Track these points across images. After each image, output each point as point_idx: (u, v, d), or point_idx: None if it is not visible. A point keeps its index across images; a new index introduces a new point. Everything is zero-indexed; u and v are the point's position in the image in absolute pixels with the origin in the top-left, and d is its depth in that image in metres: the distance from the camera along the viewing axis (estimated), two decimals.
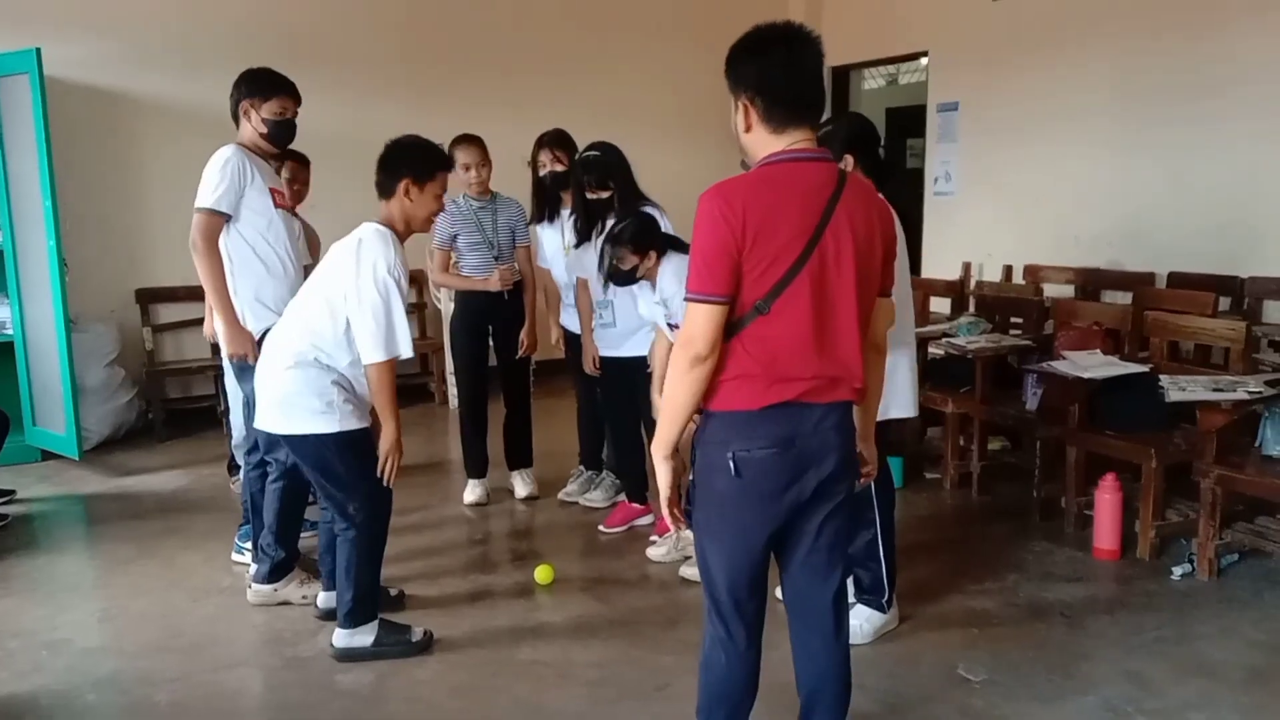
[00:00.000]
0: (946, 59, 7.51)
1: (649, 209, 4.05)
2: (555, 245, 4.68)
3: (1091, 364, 4.22)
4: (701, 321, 2.05)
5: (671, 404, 2.12)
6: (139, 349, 6.37)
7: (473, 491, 4.85)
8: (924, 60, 8.03)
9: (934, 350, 5.02)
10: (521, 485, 4.93)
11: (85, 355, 5.81)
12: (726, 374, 2.10)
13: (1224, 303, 5.43)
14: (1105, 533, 4.02)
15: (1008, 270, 6.88)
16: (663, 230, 3.84)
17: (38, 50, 5.28)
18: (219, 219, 3.60)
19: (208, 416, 6.42)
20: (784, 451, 2.10)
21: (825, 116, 2.43)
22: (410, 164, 3.22)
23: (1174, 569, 3.84)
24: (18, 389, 5.71)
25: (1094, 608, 3.61)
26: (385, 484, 3.23)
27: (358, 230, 3.19)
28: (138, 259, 6.42)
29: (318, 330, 3.15)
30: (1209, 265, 5.73)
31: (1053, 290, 6.24)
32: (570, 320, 4.80)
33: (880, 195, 2.33)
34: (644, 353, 4.19)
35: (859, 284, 2.12)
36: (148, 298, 6.45)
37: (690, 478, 2.24)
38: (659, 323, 3.83)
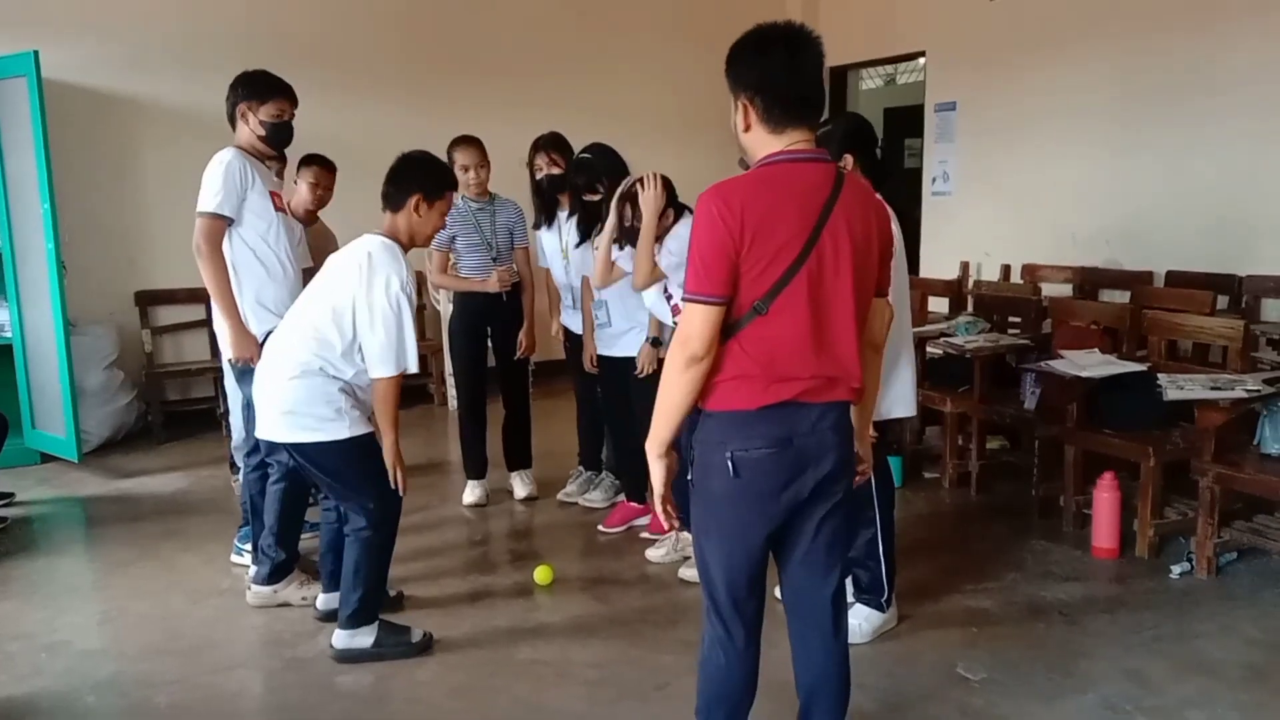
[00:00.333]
0: (944, 59, 7.52)
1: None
2: (554, 247, 4.69)
3: (1089, 363, 4.23)
4: (698, 322, 2.05)
5: (666, 403, 2.12)
6: (138, 351, 6.37)
7: (472, 492, 4.86)
8: (922, 60, 8.04)
9: (932, 350, 5.03)
10: (521, 486, 4.93)
11: (84, 358, 5.81)
12: (724, 374, 2.10)
13: (1222, 301, 5.43)
14: (1104, 531, 4.03)
15: (1006, 270, 6.89)
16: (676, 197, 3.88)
17: (36, 53, 5.28)
18: (221, 222, 3.60)
19: (207, 419, 6.42)
20: (782, 451, 2.11)
21: (824, 117, 2.43)
22: (423, 181, 3.25)
23: (1173, 567, 3.85)
24: (17, 391, 5.71)
25: (1093, 606, 3.62)
26: (399, 493, 3.25)
27: (362, 242, 3.20)
28: (136, 261, 6.42)
29: (325, 340, 3.15)
30: (1207, 264, 5.74)
31: (1051, 289, 6.24)
32: (570, 320, 4.81)
33: (878, 195, 2.33)
34: (634, 353, 4.22)
35: (856, 284, 2.12)
36: (147, 300, 6.44)
37: (688, 477, 2.24)
38: (659, 303, 3.84)
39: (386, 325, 3.09)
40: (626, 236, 3.87)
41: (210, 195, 3.59)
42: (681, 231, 3.68)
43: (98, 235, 6.21)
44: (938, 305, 6.04)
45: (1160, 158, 6.05)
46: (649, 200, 3.70)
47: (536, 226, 4.74)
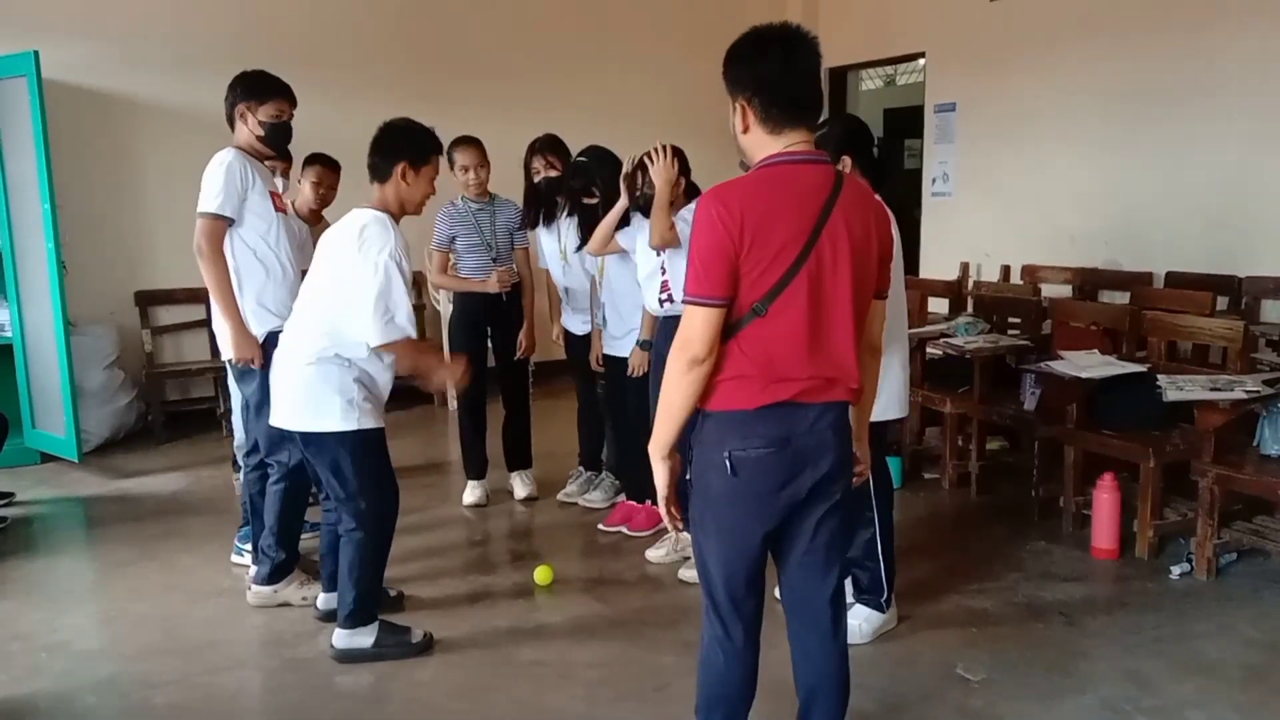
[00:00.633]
0: (944, 60, 7.52)
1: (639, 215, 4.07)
2: (553, 249, 4.69)
3: (1089, 364, 4.23)
4: (699, 324, 2.05)
5: (668, 405, 2.13)
6: (138, 351, 6.37)
7: (472, 493, 4.86)
8: (921, 61, 8.04)
9: (932, 350, 5.03)
10: (521, 486, 4.93)
11: (84, 358, 5.81)
12: (723, 374, 2.11)
13: (1222, 302, 5.43)
14: (1103, 532, 4.03)
15: (1005, 270, 6.89)
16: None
17: (36, 53, 5.29)
18: (223, 223, 3.60)
19: (207, 418, 6.42)
20: (780, 451, 2.11)
21: (823, 118, 2.43)
22: (406, 148, 3.23)
23: (1172, 568, 3.85)
24: (17, 391, 5.71)
25: (1092, 607, 3.62)
26: (388, 516, 3.26)
27: (353, 217, 3.19)
28: (136, 261, 6.43)
29: (336, 326, 3.15)
30: (1206, 265, 5.74)
31: (1050, 290, 6.24)
32: (570, 321, 4.82)
33: (877, 197, 2.33)
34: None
35: (855, 285, 2.12)
36: (147, 300, 6.45)
37: (687, 477, 2.24)
38: (641, 267, 3.88)
39: (384, 294, 3.07)
40: (638, 206, 3.88)
41: (211, 196, 3.58)
42: (685, 214, 3.69)
43: (98, 235, 6.22)
44: (938, 306, 6.04)
45: (1160, 158, 6.05)
46: (660, 170, 3.71)
47: (532, 227, 4.73)
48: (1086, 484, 4.21)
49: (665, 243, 3.69)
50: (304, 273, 3.91)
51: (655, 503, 2.29)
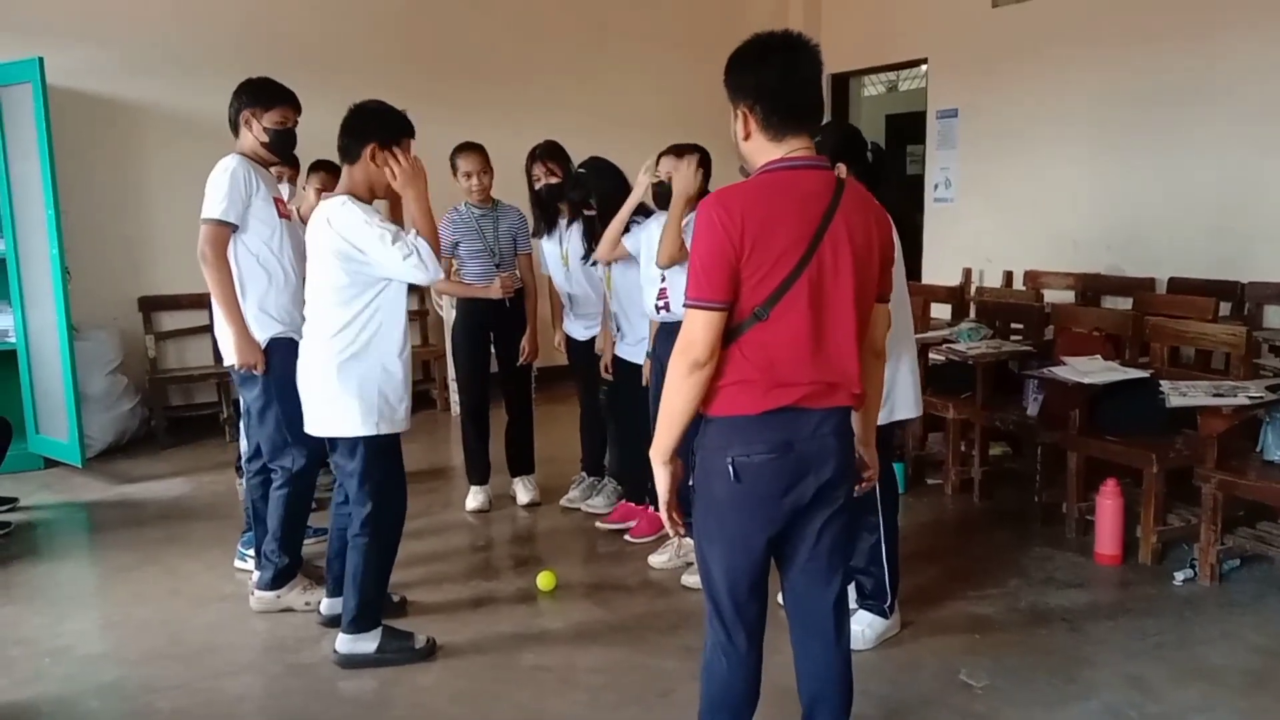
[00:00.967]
0: (946, 66, 7.53)
1: (640, 219, 4.08)
2: (554, 255, 4.70)
3: (1092, 369, 4.23)
4: (700, 328, 2.06)
5: (669, 410, 2.13)
6: (141, 356, 6.38)
7: (475, 498, 4.86)
8: (924, 67, 8.05)
9: (935, 356, 5.03)
10: (523, 492, 4.94)
11: (88, 363, 5.82)
12: (725, 379, 2.11)
13: (1224, 308, 5.44)
14: (1106, 538, 4.03)
15: (1008, 276, 6.90)
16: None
17: (40, 59, 5.31)
18: (227, 229, 3.60)
19: (210, 424, 6.43)
20: (783, 456, 2.11)
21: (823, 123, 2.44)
22: (377, 129, 3.22)
23: (1175, 574, 3.85)
24: (20, 396, 5.72)
25: (1095, 613, 3.61)
26: (397, 524, 3.29)
27: (321, 208, 3.18)
28: (140, 267, 6.44)
29: (337, 323, 3.15)
30: (1209, 270, 5.74)
31: (1053, 296, 6.25)
32: (572, 327, 4.82)
33: (878, 202, 2.34)
34: (640, 359, 4.24)
35: (857, 290, 2.13)
36: (150, 305, 6.46)
37: (690, 483, 2.25)
38: (644, 271, 3.87)
39: (383, 239, 3.06)
40: (658, 201, 3.89)
41: (215, 202, 3.59)
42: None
43: (101, 240, 6.24)
44: (940, 311, 6.04)
45: (1162, 164, 6.05)
46: (683, 176, 3.66)
47: (536, 235, 4.75)
48: (1089, 490, 4.21)
49: (674, 261, 3.60)
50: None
51: (657, 507, 2.29)
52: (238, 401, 4.12)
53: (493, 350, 4.85)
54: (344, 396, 3.15)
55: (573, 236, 4.56)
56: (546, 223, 4.69)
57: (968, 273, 7.16)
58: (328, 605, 3.55)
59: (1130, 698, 3.00)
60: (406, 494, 3.36)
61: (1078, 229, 6.57)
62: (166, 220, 6.29)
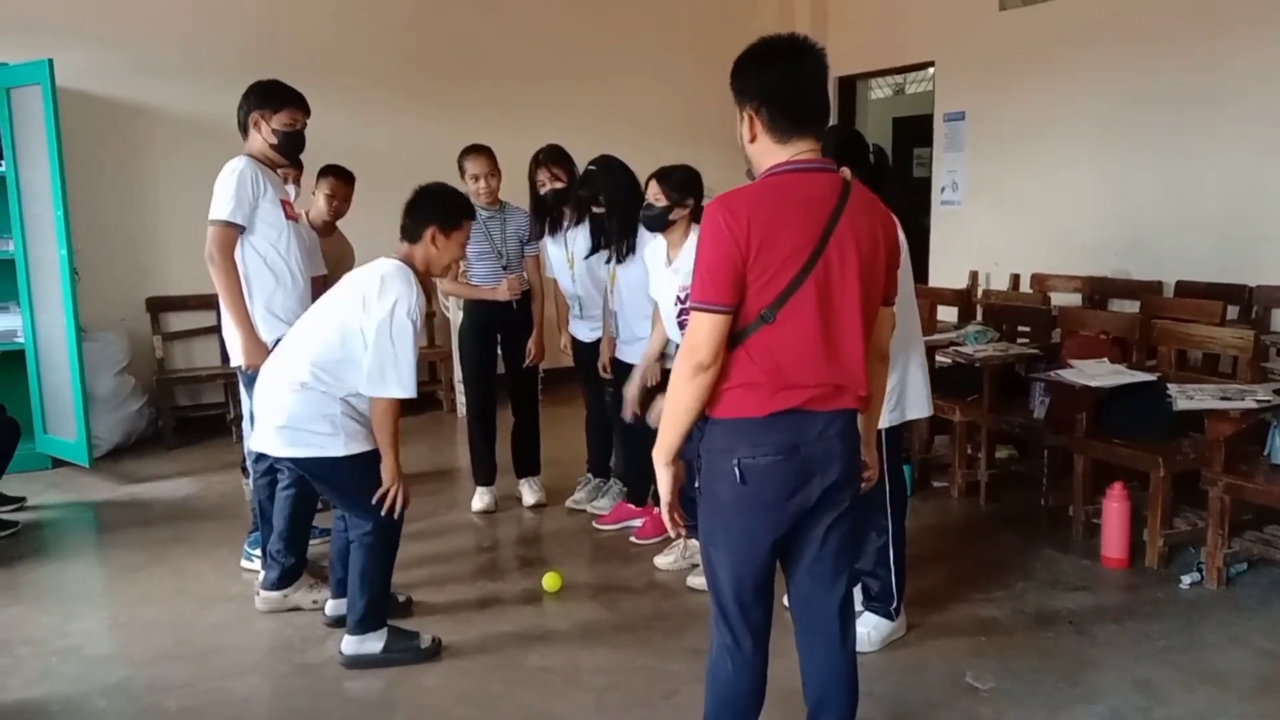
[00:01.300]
0: (953, 69, 7.53)
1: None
2: (560, 258, 4.70)
3: (1099, 373, 4.22)
4: (705, 330, 2.06)
5: (673, 411, 2.13)
6: (149, 357, 6.40)
7: (480, 499, 4.87)
8: (931, 70, 8.04)
9: (941, 359, 5.02)
10: (529, 493, 4.94)
11: (96, 363, 5.84)
12: (731, 382, 2.11)
13: (1232, 311, 5.42)
14: (1113, 541, 4.02)
15: (1015, 279, 6.89)
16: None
17: (50, 61, 5.32)
18: (234, 231, 3.62)
19: (217, 424, 6.44)
20: (789, 458, 2.11)
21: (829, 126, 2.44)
22: (439, 212, 3.27)
23: (1182, 577, 3.84)
24: (29, 397, 5.73)
25: (1102, 616, 3.61)
26: (392, 516, 3.23)
27: (377, 265, 3.21)
28: (148, 268, 6.46)
29: (327, 357, 3.16)
30: (1217, 274, 5.73)
31: (1060, 299, 6.23)
32: (577, 329, 4.83)
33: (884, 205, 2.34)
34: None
35: (863, 293, 2.13)
36: (158, 306, 6.48)
37: (695, 485, 2.25)
38: (662, 302, 3.85)
39: (388, 346, 3.09)
40: (648, 224, 3.93)
41: (223, 204, 3.60)
42: (692, 243, 3.70)
43: (110, 242, 6.26)
44: (947, 314, 6.03)
45: (1169, 167, 6.04)
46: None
47: (539, 238, 4.75)
48: (1096, 493, 4.20)
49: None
50: (314, 279, 3.95)
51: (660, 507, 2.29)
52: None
53: (499, 352, 4.86)
54: (312, 419, 3.14)
55: (577, 239, 4.56)
56: (551, 226, 4.69)
57: (974, 275, 7.15)
58: (333, 606, 3.56)
59: (1137, 702, 2.99)
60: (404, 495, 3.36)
61: (1085, 232, 6.56)
62: (174, 221, 6.31)
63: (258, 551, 3.93)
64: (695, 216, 3.80)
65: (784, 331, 2.08)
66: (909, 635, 3.43)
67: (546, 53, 7.63)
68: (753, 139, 2.17)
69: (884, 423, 2.96)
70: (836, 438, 2.16)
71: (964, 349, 4.88)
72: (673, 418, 2.14)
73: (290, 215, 3.78)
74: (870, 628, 3.31)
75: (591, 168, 4.36)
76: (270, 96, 3.71)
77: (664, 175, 3.81)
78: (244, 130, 3.75)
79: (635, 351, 4.33)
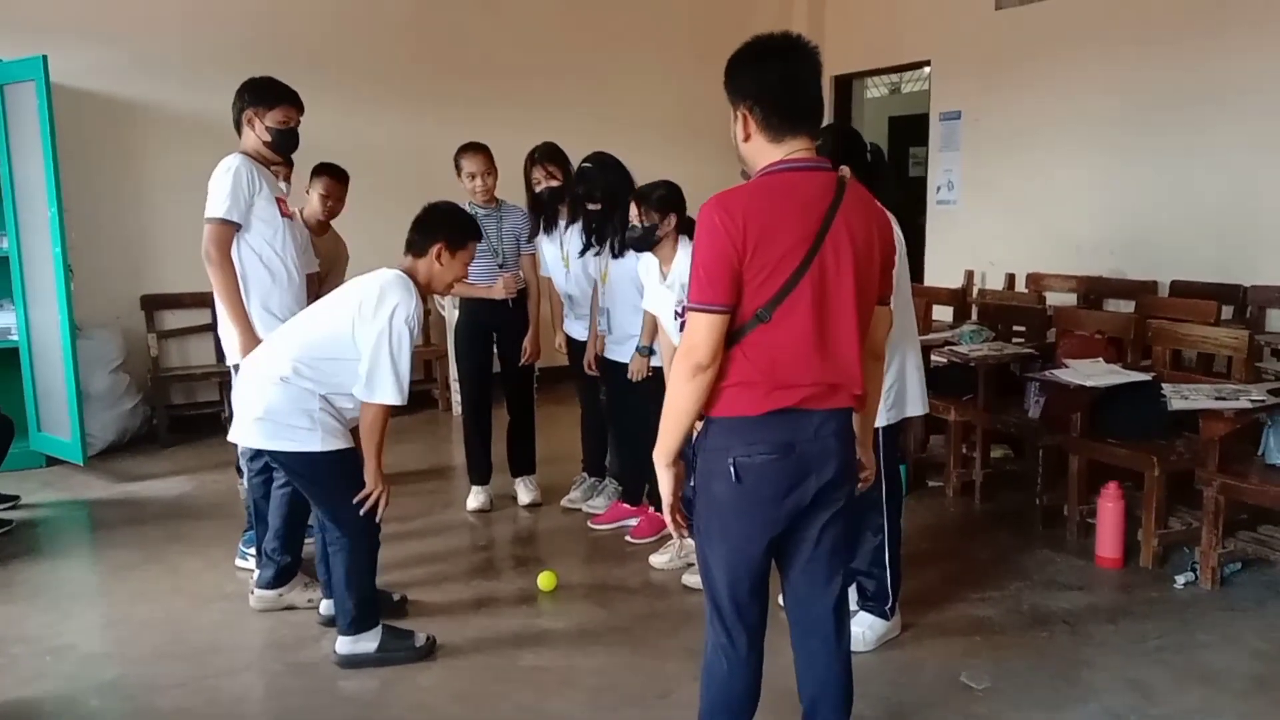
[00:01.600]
0: (949, 68, 7.53)
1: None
2: (555, 256, 4.70)
3: (1094, 372, 4.23)
4: (703, 330, 2.06)
5: (673, 412, 2.13)
6: (144, 355, 6.38)
7: (476, 498, 4.86)
8: (926, 69, 8.05)
9: (936, 358, 5.03)
10: (525, 492, 4.94)
11: (90, 361, 5.83)
12: (727, 381, 2.11)
13: (1226, 311, 5.44)
14: (1108, 541, 4.03)
15: (1010, 278, 6.90)
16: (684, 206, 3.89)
17: (44, 58, 5.31)
18: (231, 229, 3.61)
19: (212, 422, 6.43)
20: (784, 457, 2.12)
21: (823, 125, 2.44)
22: (447, 231, 3.27)
23: (1177, 577, 3.84)
24: (22, 394, 5.72)
25: (1096, 616, 3.61)
26: (373, 520, 3.23)
27: (379, 273, 3.21)
28: (143, 265, 6.45)
29: (312, 354, 3.15)
30: (1212, 274, 5.74)
31: (1055, 298, 6.25)
32: (572, 328, 4.82)
33: (879, 203, 2.34)
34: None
35: (858, 292, 2.13)
36: (153, 304, 6.46)
37: (691, 484, 2.25)
38: (661, 316, 3.84)
39: (385, 352, 3.09)
40: (633, 244, 3.90)
41: (218, 202, 3.60)
42: (683, 253, 3.69)
43: (104, 239, 6.24)
44: (942, 314, 6.05)
45: (1165, 167, 6.05)
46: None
47: (532, 237, 4.74)
48: (1091, 493, 4.20)
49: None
50: (309, 277, 3.94)
51: (658, 509, 2.29)
52: None
53: (495, 350, 4.85)
54: (292, 413, 3.14)
55: (573, 237, 4.56)
56: (546, 224, 4.68)
57: (970, 275, 7.16)
58: (327, 605, 3.54)
59: (1131, 701, 3.00)
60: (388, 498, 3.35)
61: (1080, 232, 6.57)
62: (169, 219, 6.30)
63: (253, 550, 3.92)
64: (681, 229, 3.78)
65: (780, 330, 2.08)
66: (904, 635, 3.43)
67: (543, 51, 7.62)
68: (746, 138, 2.17)
69: (881, 421, 2.97)
70: (832, 436, 2.16)
71: (959, 348, 4.89)
72: (672, 418, 2.14)
73: (285, 213, 3.78)
74: (865, 627, 3.31)
75: (586, 165, 4.36)
76: (263, 94, 3.71)
77: (643, 196, 3.80)
78: (238, 128, 3.74)
79: (625, 350, 4.32)
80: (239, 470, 4.76)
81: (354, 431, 3.26)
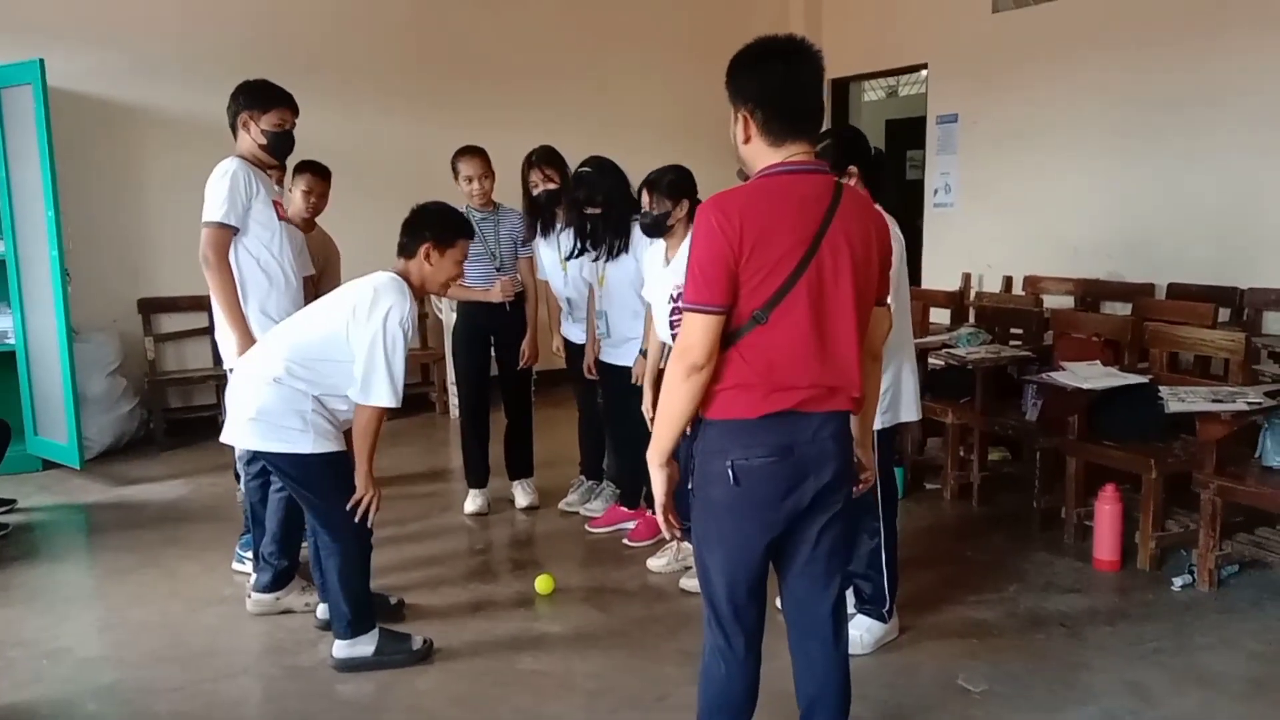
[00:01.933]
0: (946, 71, 7.55)
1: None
2: (552, 259, 4.70)
3: (1091, 375, 4.23)
4: (698, 331, 2.06)
5: (667, 412, 2.13)
6: (141, 359, 6.38)
7: (473, 501, 4.86)
8: (924, 72, 8.07)
9: (934, 361, 5.03)
10: (522, 495, 4.93)
11: (87, 365, 5.82)
12: (724, 383, 2.11)
13: (1223, 314, 5.45)
14: (1105, 543, 4.03)
15: (1007, 281, 6.91)
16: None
17: (41, 61, 5.31)
18: (228, 232, 3.61)
19: (209, 426, 6.39)
20: (782, 460, 2.11)
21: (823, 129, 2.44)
22: (434, 229, 3.27)
23: (1174, 579, 3.84)
24: (19, 398, 5.71)
25: (1094, 618, 3.61)
26: (364, 523, 3.22)
27: (373, 276, 3.21)
28: (140, 269, 6.44)
29: (305, 355, 3.15)
30: (1208, 276, 5.75)
31: (1052, 301, 6.25)
32: (570, 331, 4.82)
33: (877, 206, 2.35)
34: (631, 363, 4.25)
35: (856, 294, 2.13)
36: (150, 307, 6.46)
37: (689, 486, 2.25)
38: (655, 301, 3.84)
39: (379, 355, 3.09)
40: (645, 228, 3.90)
41: (216, 206, 3.59)
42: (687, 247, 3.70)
43: (101, 242, 6.23)
44: (939, 316, 6.05)
45: (1162, 170, 6.06)
46: None
47: (529, 240, 4.74)
48: (1088, 495, 4.20)
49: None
50: (306, 279, 3.94)
51: (654, 510, 2.29)
52: None
53: (492, 354, 4.85)
54: (285, 414, 3.13)
55: (568, 241, 4.55)
56: (544, 228, 4.68)
57: (967, 278, 7.17)
58: (324, 609, 3.53)
59: (1129, 704, 3.00)
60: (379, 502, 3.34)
61: (1077, 234, 6.58)
62: (166, 222, 6.29)
63: (249, 554, 3.92)
64: (692, 215, 3.79)
65: (777, 332, 2.08)
66: (901, 637, 3.43)
67: (542, 52, 7.63)
68: (746, 140, 2.17)
69: (876, 424, 2.96)
70: (830, 439, 2.16)
71: (956, 351, 4.89)
72: (667, 419, 2.14)
73: (282, 216, 3.77)
74: (863, 630, 3.31)
75: (585, 169, 4.36)
76: (258, 97, 3.70)
77: (655, 182, 3.80)
78: (234, 131, 3.74)
79: (623, 354, 4.32)
80: (236, 475, 4.76)
81: (348, 434, 3.26)
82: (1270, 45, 5.47)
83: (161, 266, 6.41)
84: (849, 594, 3.31)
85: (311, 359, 3.15)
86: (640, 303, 4.14)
